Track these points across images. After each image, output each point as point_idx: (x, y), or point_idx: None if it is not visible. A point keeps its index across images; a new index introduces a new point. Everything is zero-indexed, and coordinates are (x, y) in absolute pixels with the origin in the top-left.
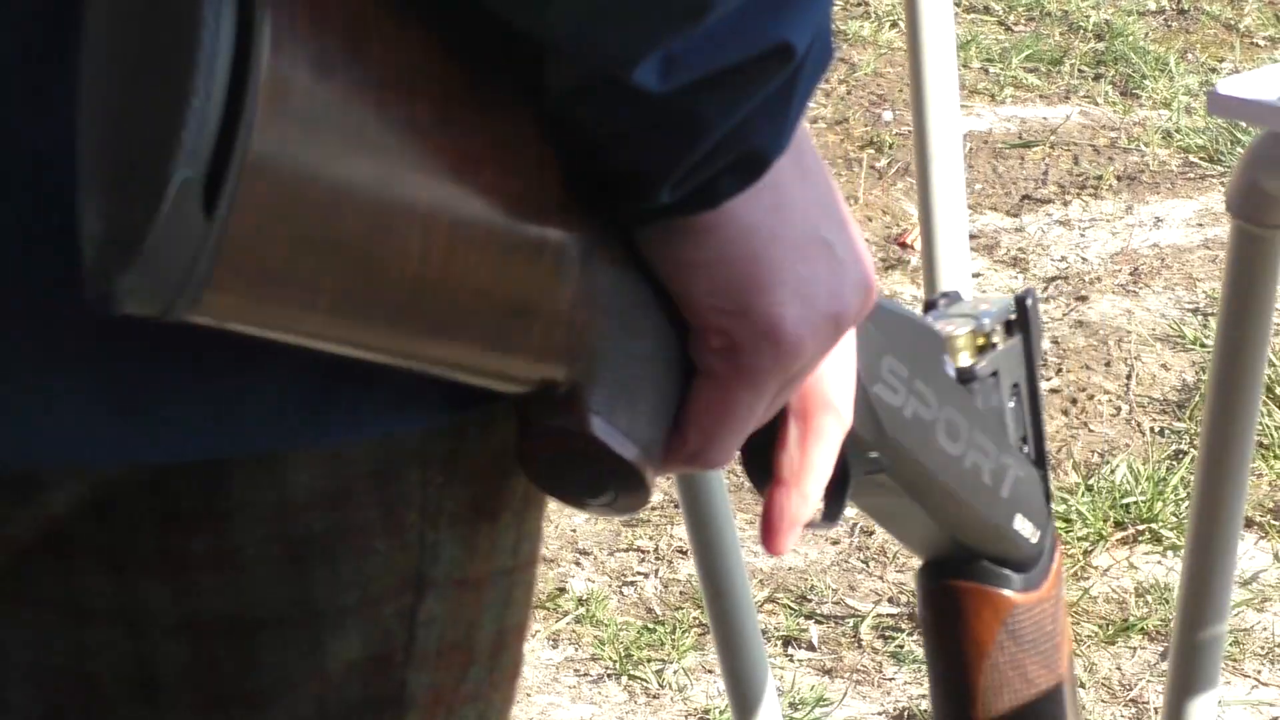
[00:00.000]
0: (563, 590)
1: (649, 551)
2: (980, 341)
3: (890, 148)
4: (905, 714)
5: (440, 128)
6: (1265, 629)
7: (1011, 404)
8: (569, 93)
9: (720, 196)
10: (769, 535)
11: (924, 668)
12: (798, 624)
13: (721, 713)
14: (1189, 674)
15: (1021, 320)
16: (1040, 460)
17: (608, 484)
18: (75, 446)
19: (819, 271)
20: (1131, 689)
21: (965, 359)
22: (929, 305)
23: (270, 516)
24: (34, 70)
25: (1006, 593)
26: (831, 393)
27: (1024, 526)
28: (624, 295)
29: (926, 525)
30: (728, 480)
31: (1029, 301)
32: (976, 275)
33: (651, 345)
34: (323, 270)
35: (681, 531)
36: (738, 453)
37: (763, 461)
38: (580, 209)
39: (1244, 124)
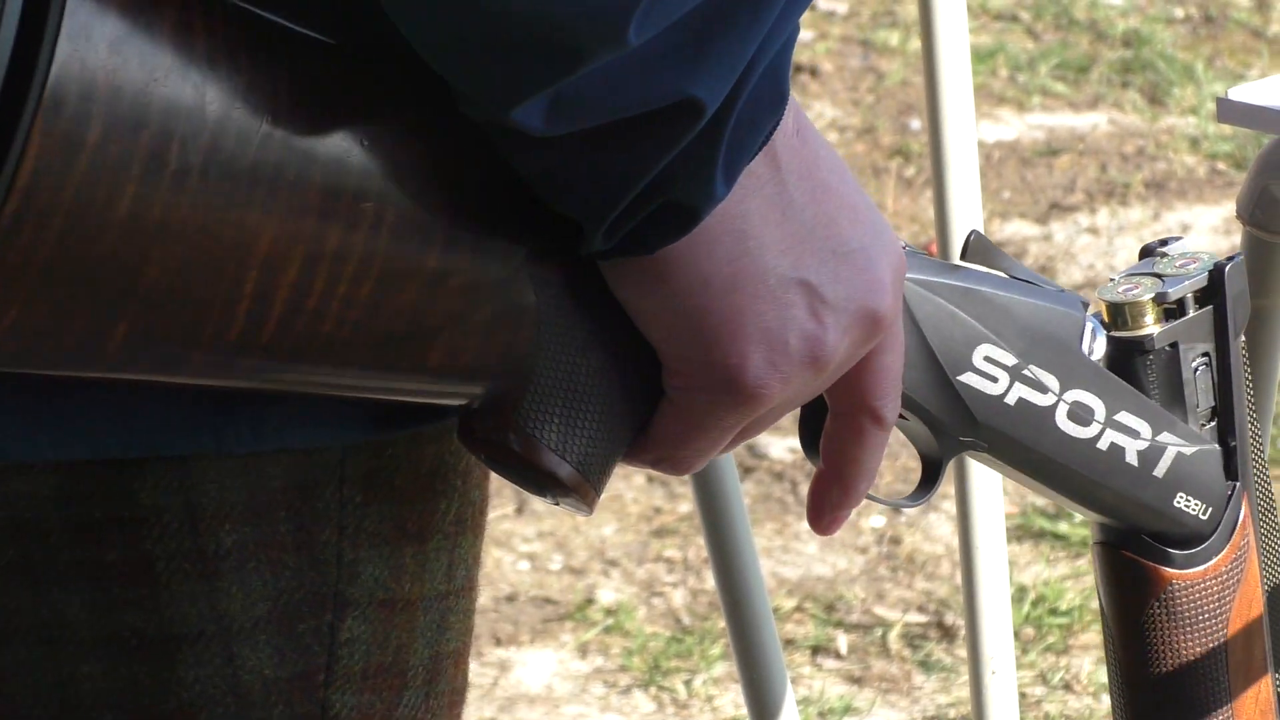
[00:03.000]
0: (591, 601)
1: (677, 562)
2: (1166, 309)
3: (919, 156)
4: None
5: (300, 164)
6: None
7: (1200, 374)
8: (474, 130)
9: (652, 246)
10: (811, 517)
11: (951, 676)
12: (826, 633)
13: None
14: None
15: (1213, 289)
16: (1229, 435)
17: (543, 490)
18: None
19: (794, 315)
20: None
21: (1149, 325)
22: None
23: (180, 527)
24: None
25: (1163, 568)
26: (867, 395)
27: (1189, 505)
28: (571, 313)
29: (1064, 501)
30: (747, 497)
31: (1226, 269)
32: None
33: (604, 362)
34: (111, 313)
35: None
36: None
37: (813, 438)
38: (517, 226)
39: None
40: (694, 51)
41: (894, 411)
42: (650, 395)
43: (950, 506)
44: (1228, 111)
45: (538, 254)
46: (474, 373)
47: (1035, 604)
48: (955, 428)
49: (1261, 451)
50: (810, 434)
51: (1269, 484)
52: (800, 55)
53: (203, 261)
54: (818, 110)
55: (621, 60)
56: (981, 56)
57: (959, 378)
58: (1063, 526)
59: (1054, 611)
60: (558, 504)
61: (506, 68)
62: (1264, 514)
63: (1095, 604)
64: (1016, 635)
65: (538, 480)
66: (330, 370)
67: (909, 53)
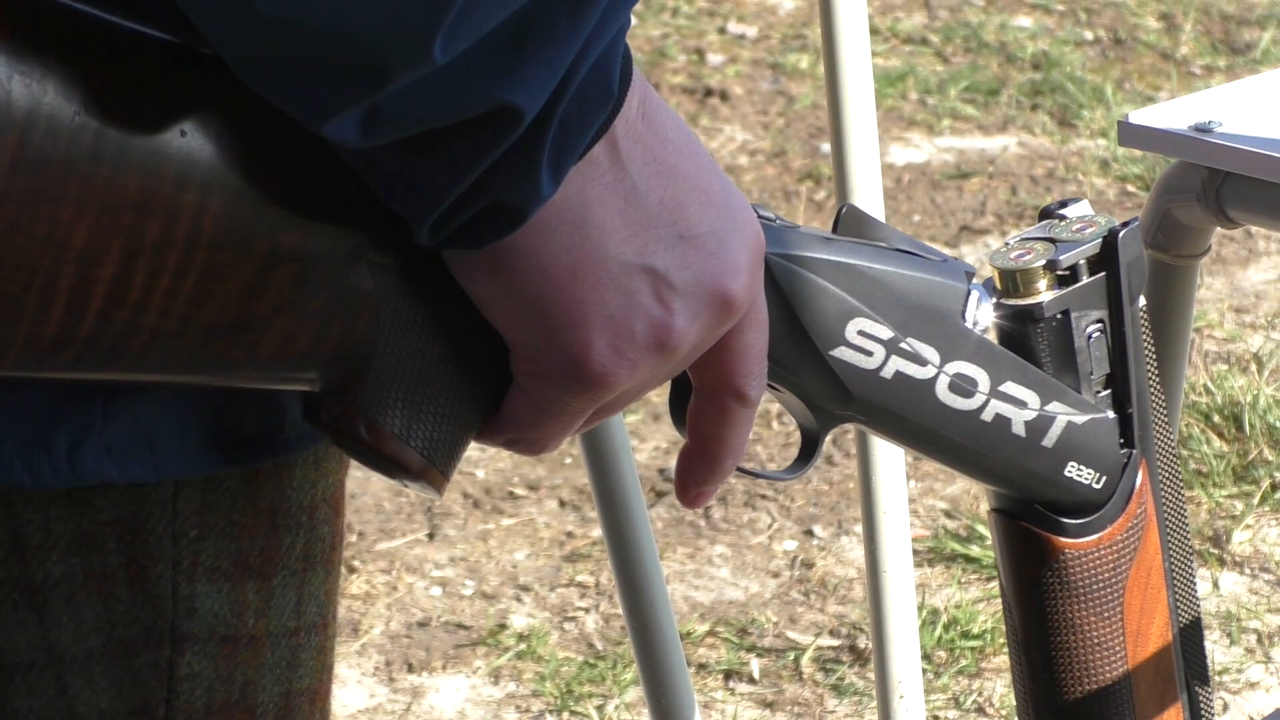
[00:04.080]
0: (503, 626)
1: (589, 586)
2: (1059, 275)
3: (829, 179)
4: None
5: (116, 158)
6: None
7: (1095, 340)
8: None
9: (480, 242)
10: (679, 491)
11: (864, 700)
12: (739, 657)
13: None
14: None
15: (1108, 255)
16: (1124, 402)
17: (391, 473)
18: None
19: (639, 301)
20: None
21: (1041, 292)
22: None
23: (6, 556)
24: None
25: (1056, 537)
26: (729, 374)
27: (1080, 474)
28: (412, 298)
29: (953, 468)
30: (659, 521)
31: (1121, 235)
32: None
33: (448, 346)
34: None
35: None
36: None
37: (682, 413)
38: (350, 212)
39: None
40: (508, 60)
41: (758, 390)
42: (500, 378)
43: (862, 529)
44: (1129, 135)
45: (374, 240)
46: (310, 360)
47: (947, 627)
48: (830, 402)
49: (1169, 422)
50: (680, 409)
51: (1175, 451)
52: (711, 78)
53: (14, 258)
54: (728, 134)
55: (433, 76)
56: (891, 80)
57: (831, 352)
58: (974, 549)
59: (966, 635)
60: (407, 487)
61: (315, 87)
62: (1167, 481)
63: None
64: (929, 658)
65: (383, 464)
66: (157, 362)
67: (819, 76)
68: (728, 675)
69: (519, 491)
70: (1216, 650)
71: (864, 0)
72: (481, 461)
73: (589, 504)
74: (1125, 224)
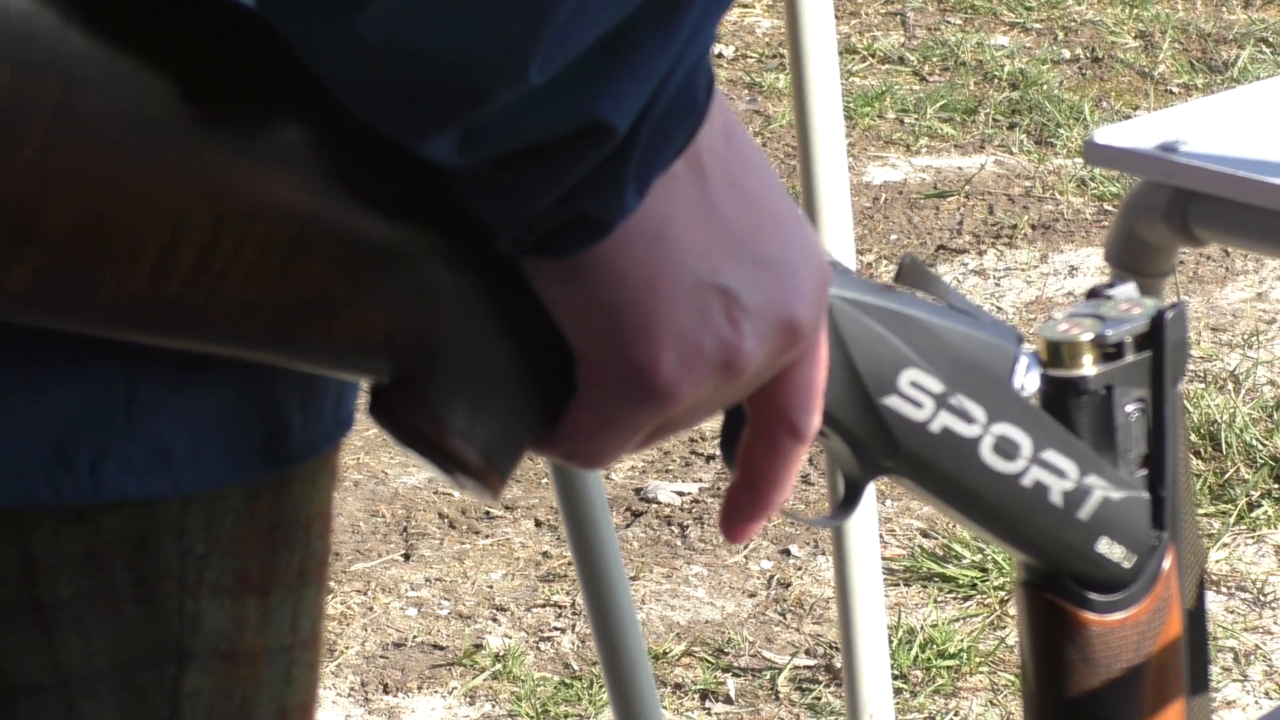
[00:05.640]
0: (479, 646)
1: (565, 607)
2: (1105, 351)
3: None
4: None
5: (217, 126)
6: None
7: (1135, 420)
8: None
9: (563, 252)
10: (723, 524)
11: (841, 719)
12: (715, 677)
13: None
14: None
15: (1155, 335)
16: (1160, 482)
17: (450, 470)
18: None
19: (711, 318)
20: None
21: (1085, 366)
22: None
23: (16, 577)
24: None
25: (1081, 611)
26: (785, 407)
27: (1111, 550)
28: (486, 298)
29: (985, 534)
30: (635, 540)
31: (1167, 316)
32: None
33: (517, 349)
34: (12, 253)
35: None
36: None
37: (733, 446)
38: (434, 209)
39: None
40: (600, 78)
41: (812, 426)
42: (563, 388)
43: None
44: (1096, 154)
45: (455, 237)
46: (382, 350)
47: (923, 646)
48: (876, 450)
49: (1191, 504)
50: (730, 442)
51: (1200, 539)
52: None
53: (109, 213)
54: None
55: (528, 93)
56: (869, 99)
57: (883, 400)
58: (950, 568)
59: (942, 654)
60: (463, 487)
61: (413, 109)
62: (1191, 567)
63: (983, 646)
64: (905, 678)
65: (443, 461)
66: (234, 332)
67: None
68: (704, 695)
69: (495, 511)
70: None
71: (832, 20)
72: None
73: (562, 524)
74: (1172, 305)
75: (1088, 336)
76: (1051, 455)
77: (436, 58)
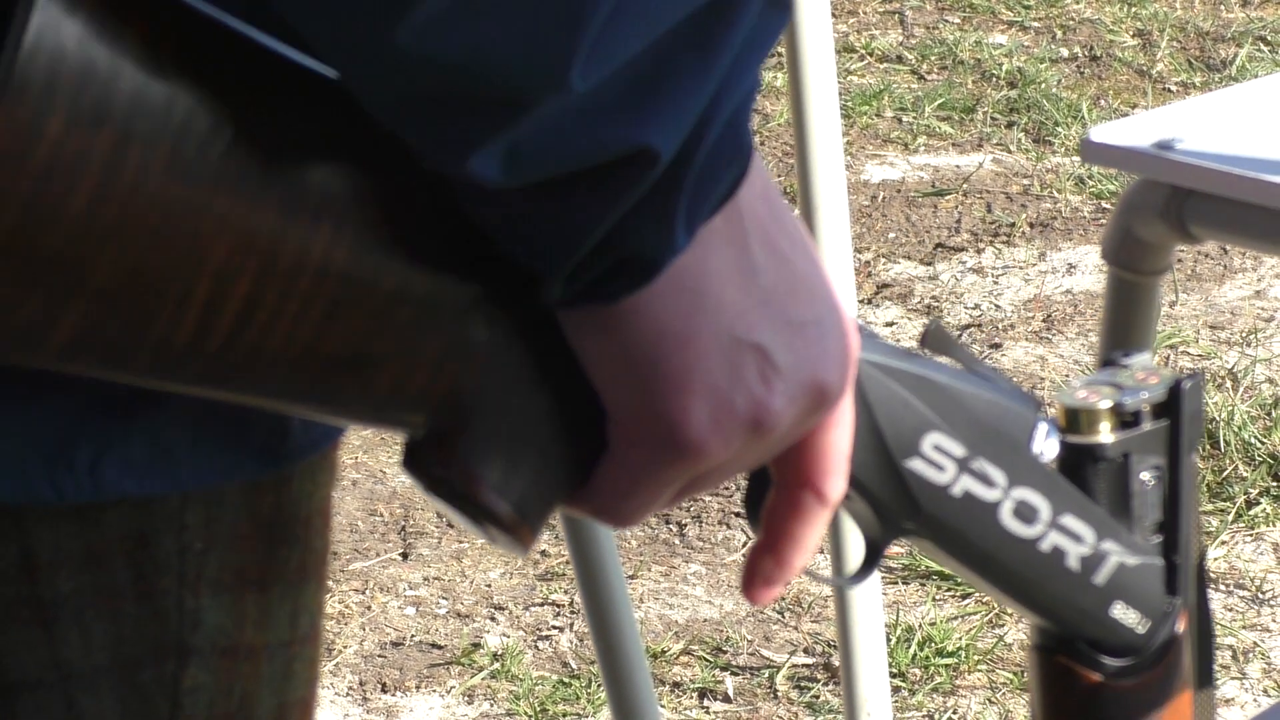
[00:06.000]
0: (478, 645)
1: (564, 605)
2: (1123, 419)
3: None
4: None
5: (262, 179)
6: None
7: (1151, 487)
8: (438, 178)
9: (613, 296)
10: (745, 588)
11: (838, 718)
12: (713, 675)
13: None
14: None
15: (1172, 404)
16: (1174, 549)
17: (481, 524)
18: None
19: (743, 376)
20: None
21: (1104, 433)
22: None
23: (16, 575)
24: None
25: (1094, 675)
26: (812, 469)
27: (1125, 615)
28: (521, 354)
29: (1000, 596)
30: (634, 539)
31: (1185, 386)
32: (890, 324)
33: (551, 406)
34: (60, 304)
35: None
36: None
37: (757, 508)
38: (473, 264)
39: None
40: (644, 99)
41: (837, 490)
42: (594, 445)
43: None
44: (1092, 153)
45: (492, 293)
46: (420, 404)
47: (922, 645)
48: (899, 513)
49: (1202, 570)
50: (754, 503)
51: (1208, 605)
52: None
53: (155, 265)
54: None
55: (572, 110)
56: (867, 97)
57: (906, 463)
58: None
59: (941, 652)
60: (494, 541)
61: (456, 122)
62: (1201, 634)
63: (981, 644)
64: (904, 676)
65: (476, 516)
66: (275, 387)
67: None
68: (702, 694)
69: None
70: None
71: (829, 19)
72: None
73: (559, 523)
74: (1190, 375)
75: (1106, 404)
76: (1069, 520)
77: (476, 66)
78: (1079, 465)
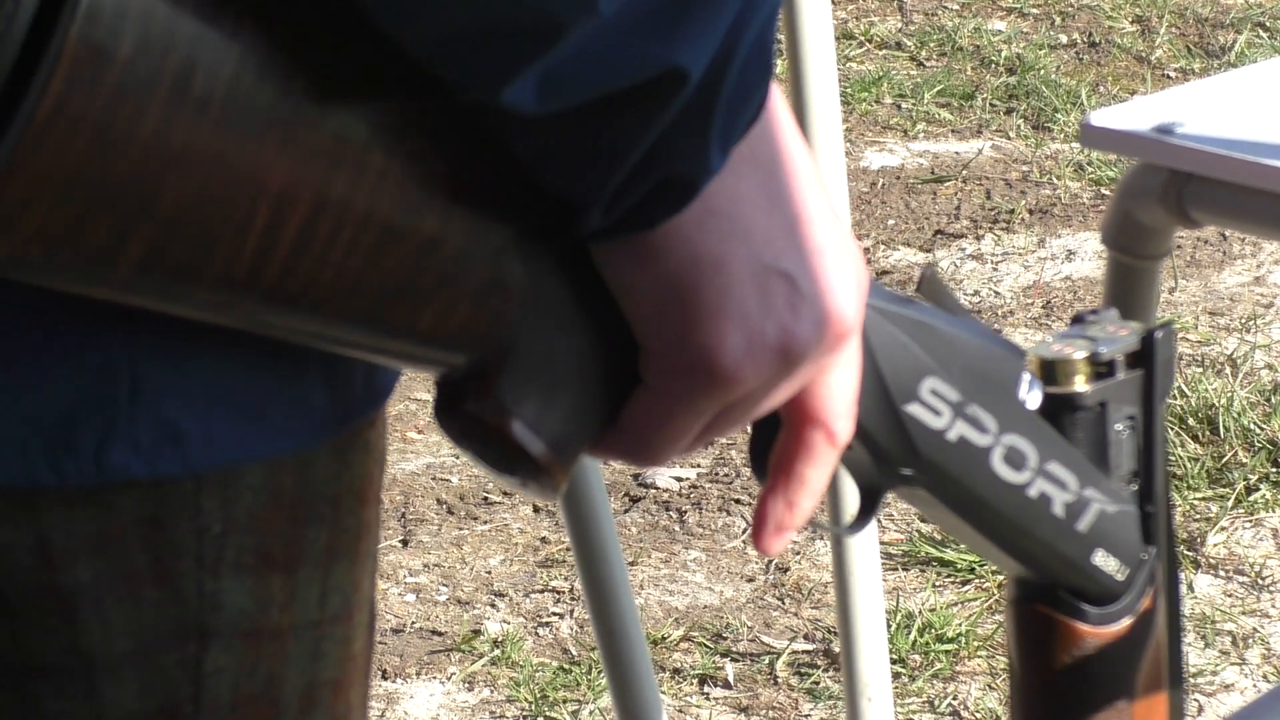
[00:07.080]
0: (478, 632)
1: (564, 592)
2: (1097, 369)
3: None
4: None
5: (316, 109)
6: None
7: (1126, 436)
8: (473, 110)
9: (653, 221)
10: (756, 535)
11: (839, 704)
12: (714, 662)
13: None
14: None
15: (1145, 354)
16: (1148, 498)
17: (514, 467)
18: None
19: (773, 304)
20: None
21: (1079, 384)
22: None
23: (33, 562)
24: None
25: (1076, 623)
26: (822, 409)
27: (1106, 562)
28: (556, 292)
29: (986, 547)
30: (634, 526)
31: (1157, 336)
32: None
33: (584, 344)
34: (129, 229)
35: None
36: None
37: (763, 458)
38: (510, 202)
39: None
40: (671, 19)
41: (847, 430)
42: (625, 384)
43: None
44: (1092, 137)
45: (529, 230)
46: (460, 340)
47: (922, 630)
48: (897, 457)
49: (1170, 521)
50: (759, 455)
51: (1176, 555)
52: None
53: (218, 190)
54: None
55: (603, 33)
56: (866, 84)
57: (905, 407)
58: (949, 553)
59: (941, 638)
60: (525, 486)
61: (490, 52)
62: (1169, 579)
63: (981, 630)
64: (904, 662)
65: (508, 456)
66: (326, 319)
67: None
68: (703, 680)
69: (493, 497)
70: (1191, 653)
71: (828, 5)
72: (455, 468)
73: (560, 509)
74: (1162, 325)
75: (1081, 354)
76: (1054, 467)
77: None
78: (1058, 415)
